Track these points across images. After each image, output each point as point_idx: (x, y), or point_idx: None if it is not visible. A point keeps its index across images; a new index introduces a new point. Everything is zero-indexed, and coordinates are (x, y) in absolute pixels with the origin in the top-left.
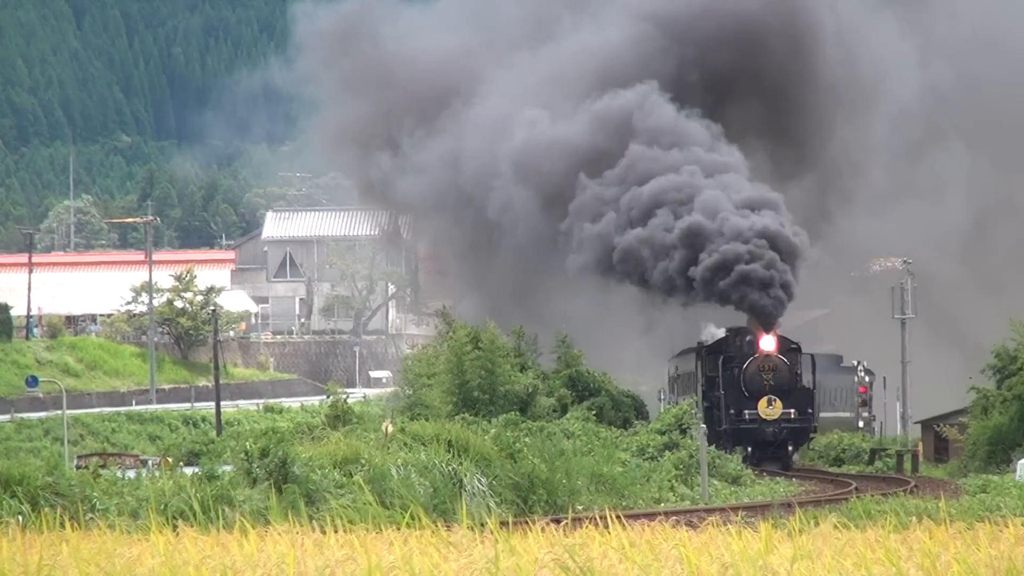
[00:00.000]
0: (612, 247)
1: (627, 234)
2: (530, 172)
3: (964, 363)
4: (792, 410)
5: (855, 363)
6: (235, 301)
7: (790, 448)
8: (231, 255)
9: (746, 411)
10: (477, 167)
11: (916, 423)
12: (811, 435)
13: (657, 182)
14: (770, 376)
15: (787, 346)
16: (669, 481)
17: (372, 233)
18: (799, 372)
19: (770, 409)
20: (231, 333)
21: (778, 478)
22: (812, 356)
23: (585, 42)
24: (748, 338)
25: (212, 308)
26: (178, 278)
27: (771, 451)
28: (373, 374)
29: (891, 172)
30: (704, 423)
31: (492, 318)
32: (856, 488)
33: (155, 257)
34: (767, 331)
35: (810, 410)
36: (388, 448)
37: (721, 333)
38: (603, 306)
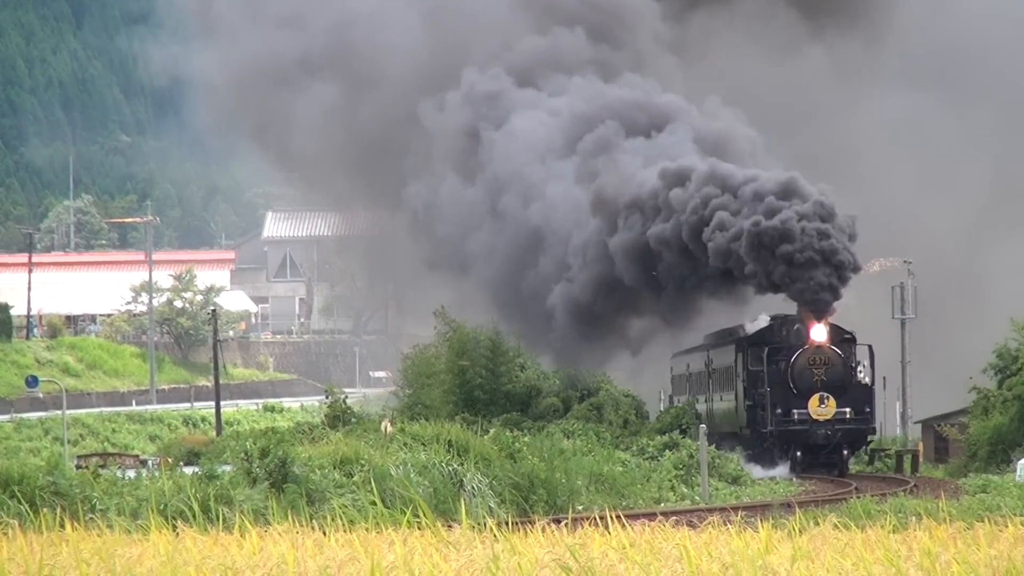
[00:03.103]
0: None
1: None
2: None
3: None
4: (847, 409)
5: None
6: (235, 301)
7: (845, 452)
8: (231, 255)
9: (795, 410)
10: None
11: (916, 423)
12: (870, 438)
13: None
14: (822, 370)
15: (841, 336)
16: (669, 481)
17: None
18: (855, 366)
19: (822, 408)
20: (231, 333)
21: (778, 478)
22: (870, 347)
23: None
24: (796, 327)
25: (212, 308)
26: (178, 278)
27: (823, 456)
28: (373, 374)
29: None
30: (747, 424)
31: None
32: (856, 488)
33: (155, 257)
34: (818, 319)
35: (868, 409)
36: (388, 448)
37: (764, 321)
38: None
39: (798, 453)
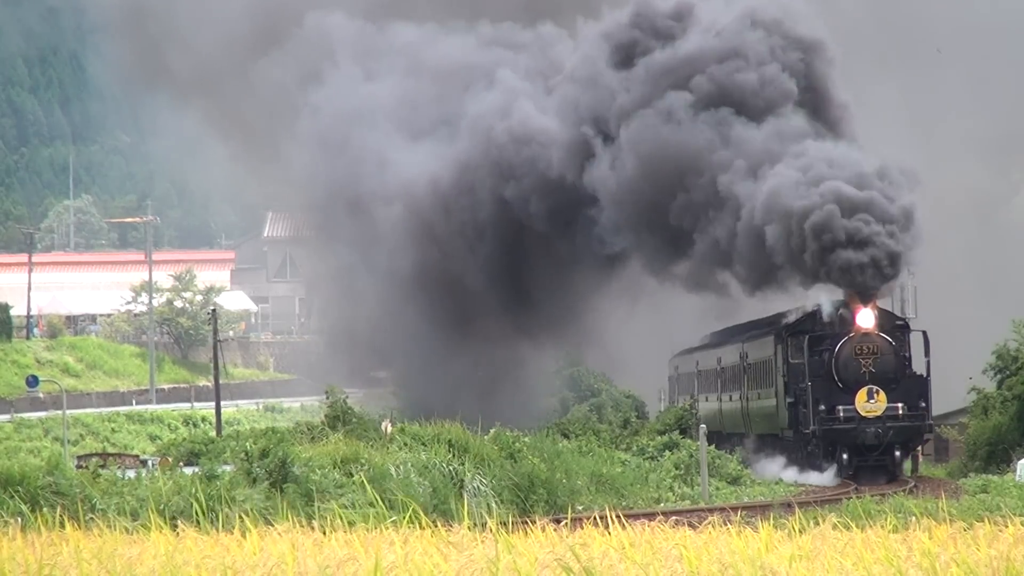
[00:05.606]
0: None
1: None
2: None
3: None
4: (900, 404)
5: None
6: (235, 301)
7: (897, 454)
8: (231, 255)
9: (840, 407)
10: None
11: None
12: (926, 436)
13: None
14: (870, 361)
15: (892, 322)
16: (669, 481)
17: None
18: (908, 355)
19: (871, 403)
20: (231, 333)
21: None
22: (924, 334)
23: None
24: (840, 312)
25: (212, 308)
26: (178, 278)
27: (873, 458)
28: (373, 374)
29: None
30: (790, 425)
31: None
32: (856, 488)
33: (155, 257)
34: (865, 303)
35: (923, 404)
36: (388, 448)
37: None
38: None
39: (844, 455)
